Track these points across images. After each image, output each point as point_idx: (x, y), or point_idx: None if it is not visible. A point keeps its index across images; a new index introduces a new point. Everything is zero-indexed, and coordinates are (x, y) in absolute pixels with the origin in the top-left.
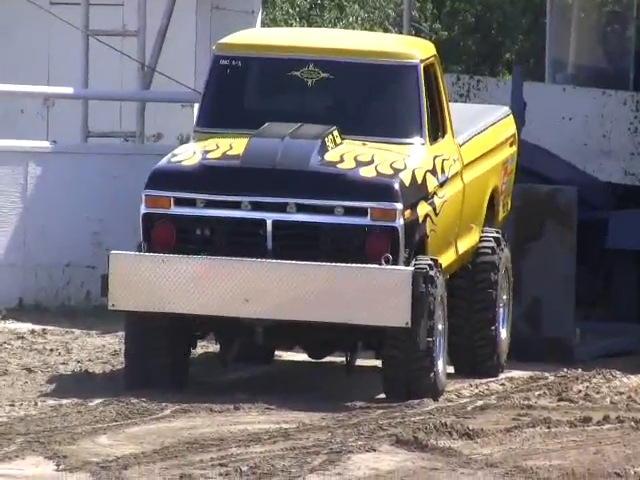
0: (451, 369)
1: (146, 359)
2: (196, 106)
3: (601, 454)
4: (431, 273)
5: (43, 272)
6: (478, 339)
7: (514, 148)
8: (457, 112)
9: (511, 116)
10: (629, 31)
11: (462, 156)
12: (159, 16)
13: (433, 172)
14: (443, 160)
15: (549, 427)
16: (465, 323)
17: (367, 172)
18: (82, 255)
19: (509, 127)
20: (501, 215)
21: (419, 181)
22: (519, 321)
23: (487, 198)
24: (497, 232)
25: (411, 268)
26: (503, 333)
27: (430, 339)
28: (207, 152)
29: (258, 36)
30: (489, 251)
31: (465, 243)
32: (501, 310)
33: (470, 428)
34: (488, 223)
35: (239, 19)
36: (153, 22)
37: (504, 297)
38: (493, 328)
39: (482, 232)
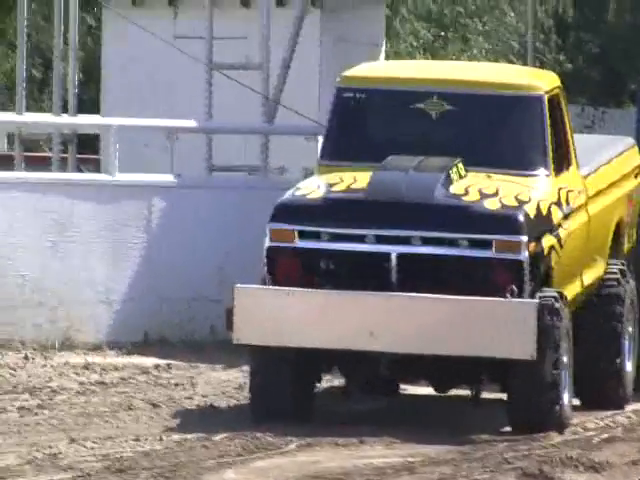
0: (576, 401)
1: (271, 393)
2: (320, 139)
3: None
4: (556, 305)
5: (168, 306)
6: (603, 372)
7: (639, 179)
8: (581, 143)
9: (636, 147)
10: None
11: (587, 188)
12: (282, 49)
13: (558, 204)
14: (568, 192)
15: None
16: (590, 356)
17: (491, 204)
18: (207, 289)
19: (634, 158)
20: (626, 247)
21: (544, 213)
22: None
23: (612, 230)
24: (622, 264)
25: (536, 300)
26: (629, 366)
27: (556, 372)
28: (331, 185)
29: (382, 68)
30: (614, 283)
31: (590, 275)
32: (626, 342)
33: (596, 461)
34: (613, 255)
35: (363, 51)
36: (277, 55)
37: (630, 329)
38: (618, 361)
39: (607, 264)
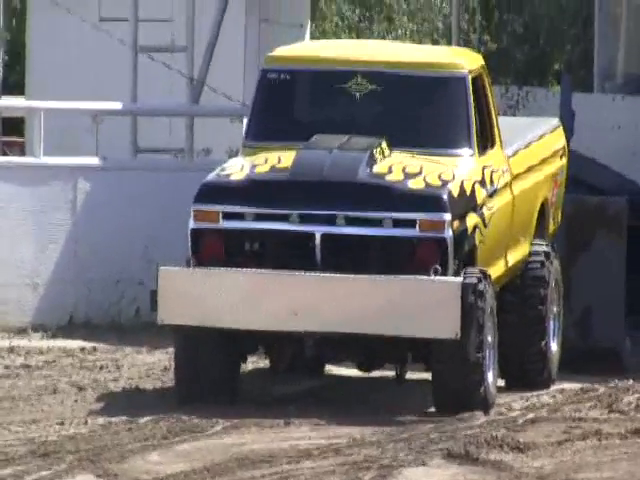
0: (501, 382)
1: (196, 375)
2: (245, 120)
3: None
4: (480, 285)
5: (94, 288)
6: (529, 354)
7: (564, 160)
8: (507, 125)
9: (561, 128)
10: None
11: (511, 167)
12: (208, 31)
13: (482, 183)
14: (492, 171)
15: (600, 439)
16: (515, 338)
17: (415, 183)
18: (133, 271)
19: (559, 139)
20: (551, 227)
21: (468, 192)
22: (570, 330)
23: (537, 210)
24: (546, 245)
25: (460, 279)
26: (554, 346)
27: (480, 351)
28: (255, 166)
29: (306, 49)
30: (538, 265)
31: (515, 255)
32: (551, 323)
33: (521, 441)
34: (538, 235)
35: (288, 32)
36: (202, 37)
37: (554, 309)
38: (543, 343)
39: (532, 245)
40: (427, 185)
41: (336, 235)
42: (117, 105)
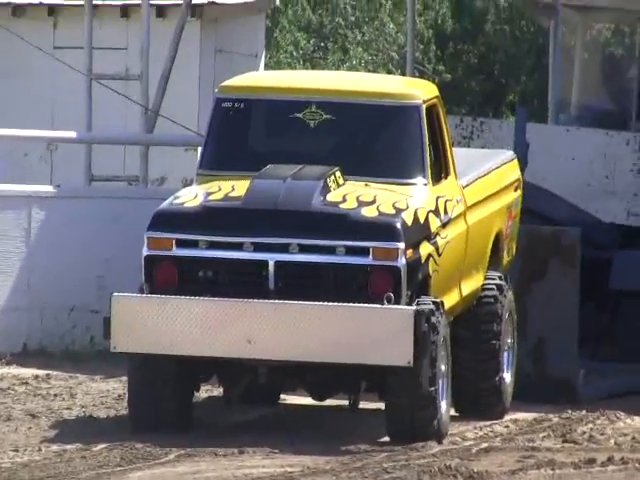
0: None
1: (149, 402)
2: (199, 149)
3: None
4: (433, 313)
5: (48, 316)
6: (483, 389)
7: (519, 192)
8: (462, 155)
9: (516, 160)
10: (632, 72)
11: (465, 198)
12: (162, 60)
13: (436, 212)
14: (446, 201)
15: (553, 469)
16: (469, 373)
17: (369, 212)
18: (87, 299)
19: (514, 171)
20: (505, 259)
21: (421, 221)
22: (524, 360)
23: (491, 241)
24: (500, 277)
25: (413, 307)
26: (508, 378)
27: (433, 381)
28: (209, 194)
29: (260, 78)
30: (492, 300)
31: (469, 285)
32: (505, 356)
33: (474, 471)
34: (492, 267)
35: (242, 62)
36: (156, 66)
37: (508, 341)
38: (497, 378)
39: (486, 277)
40: (381, 213)
41: (290, 263)
42: (72, 134)
